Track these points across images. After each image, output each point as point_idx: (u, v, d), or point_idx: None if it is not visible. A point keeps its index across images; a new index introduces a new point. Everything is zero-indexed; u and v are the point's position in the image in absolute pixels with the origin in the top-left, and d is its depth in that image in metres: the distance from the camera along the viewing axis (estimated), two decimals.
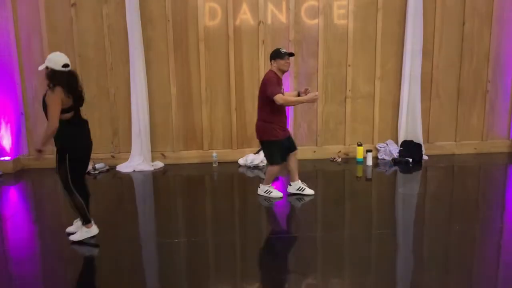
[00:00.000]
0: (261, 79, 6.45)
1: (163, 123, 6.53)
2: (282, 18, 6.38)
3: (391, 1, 6.42)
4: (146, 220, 4.71)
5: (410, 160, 6.45)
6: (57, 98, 3.61)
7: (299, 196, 5.08)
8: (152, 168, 6.34)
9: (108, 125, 6.48)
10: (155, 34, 6.31)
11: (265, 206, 4.93)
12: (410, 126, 6.66)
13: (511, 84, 6.72)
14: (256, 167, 6.38)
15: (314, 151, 6.73)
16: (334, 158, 6.69)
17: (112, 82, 6.38)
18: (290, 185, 5.13)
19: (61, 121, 3.66)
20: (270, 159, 4.91)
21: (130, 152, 6.43)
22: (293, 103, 4.78)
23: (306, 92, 4.81)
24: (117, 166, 6.39)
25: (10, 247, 4.06)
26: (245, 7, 6.32)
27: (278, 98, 4.53)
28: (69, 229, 4.13)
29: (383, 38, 6.50)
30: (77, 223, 4.09)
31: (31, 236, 4.37)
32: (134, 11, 6.04)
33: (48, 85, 3.66)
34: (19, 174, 6.24)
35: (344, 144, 6.76)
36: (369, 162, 6.35)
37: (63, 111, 3.67)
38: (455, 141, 6.86)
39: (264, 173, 6.14)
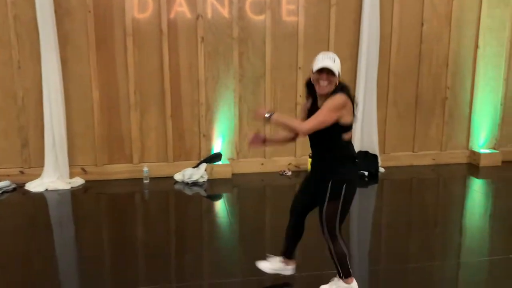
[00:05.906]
0: (200, 81, 5.72)
1: (83, 132, 5.52)
2: (224, 12, 5.58)
3: None
4: (63, 256, 3.74)
5: (366, 173, 5.86)
6: (342, 104, 2.67)
7: None
8: (69, 186, 5.33)
9: (16, 135, 5.40)
10: (73, 27, 5.31)
11: (208, 232, 4.11)
12: (365, 136, 6.05)
13: (470, 91, 6.30)
14: (195, 183, 5.53)
15: (262, 164, 5.98)
16: (284, 171, 5.98)
17: (20, 84, 5.30)
18: None
19: (343, 143, 2.80)
20: None
21: (43, 167, 5.38)
22: None
23: None
24: (26, 184, 5.33)
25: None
26: None
27: None
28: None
29: (337, 39, 5.86)
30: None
31: None
32: None
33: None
34: None
35: (295, 156, 6.06)
36: None
37: (345, 128, 2.75)
38: (413, 151, 6.35)
39: (205, 190, 5.35)
